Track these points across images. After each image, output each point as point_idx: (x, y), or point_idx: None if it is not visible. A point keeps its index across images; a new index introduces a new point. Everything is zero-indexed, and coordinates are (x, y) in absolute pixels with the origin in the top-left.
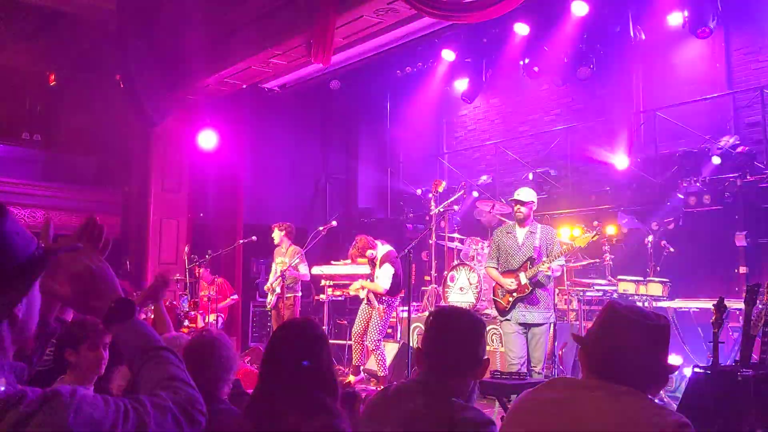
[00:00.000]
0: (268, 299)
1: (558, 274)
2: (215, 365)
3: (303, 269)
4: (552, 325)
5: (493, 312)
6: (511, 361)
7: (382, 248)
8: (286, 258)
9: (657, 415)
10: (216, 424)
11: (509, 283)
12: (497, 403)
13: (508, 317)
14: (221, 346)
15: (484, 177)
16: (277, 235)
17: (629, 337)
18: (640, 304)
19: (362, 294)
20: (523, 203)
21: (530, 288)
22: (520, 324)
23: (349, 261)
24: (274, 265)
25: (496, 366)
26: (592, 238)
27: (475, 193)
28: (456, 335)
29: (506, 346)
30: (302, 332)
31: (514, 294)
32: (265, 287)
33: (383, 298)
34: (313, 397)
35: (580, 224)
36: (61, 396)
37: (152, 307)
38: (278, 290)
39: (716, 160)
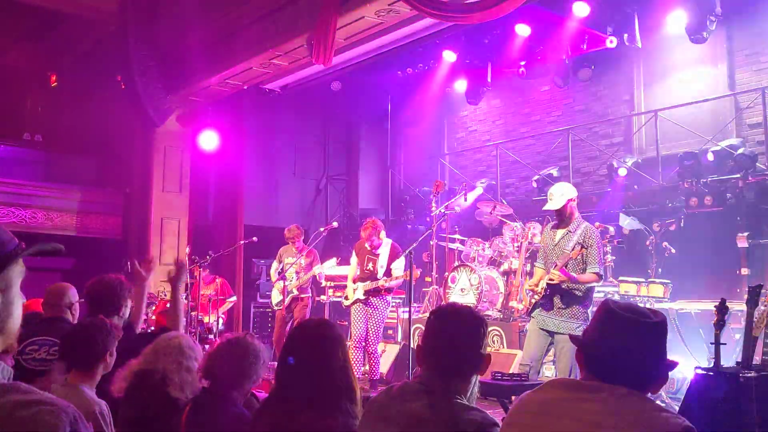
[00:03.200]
0: (277, 299)
1: (590, 284)
2: (247, 371)
3: (317, 270)
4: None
5: (495, 314)
6: (522, 360)
7: (387, 239)
8: (301, 259)
9: (660, 418)
10: (226, 426)
11: (530, 282)
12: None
13: (532, 315)
14: (259, 355)
15: (483, 180)
16: (296, 236)
17: (626, 335)
18: (641, 305)
19: (359, 294)
20: (557, 210)
21: (543, 292)
22: (542, 328)
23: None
24: (277, 264)
25: (496, 367)
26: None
27: (479, 190)
28: (457, 334)
29: (524, 345)
30: (319, 333)
31: (536, 296)
32: (294, 284)
33: (386, 297)
34: (329, 397)
35: None
36: (62, 406)
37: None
38: (295, 291)
39: (710, 156)
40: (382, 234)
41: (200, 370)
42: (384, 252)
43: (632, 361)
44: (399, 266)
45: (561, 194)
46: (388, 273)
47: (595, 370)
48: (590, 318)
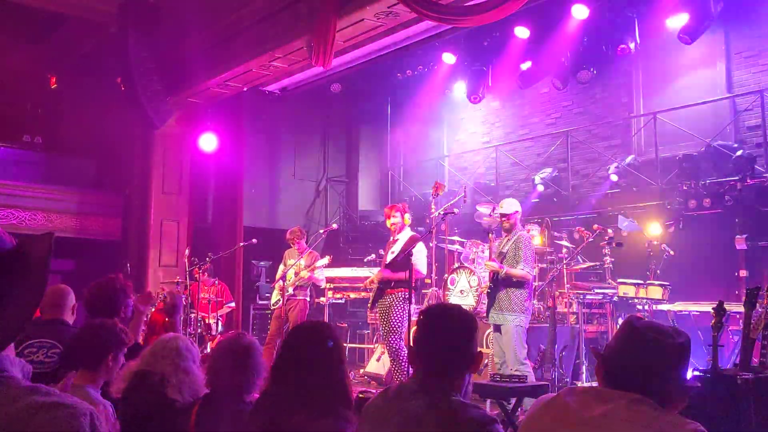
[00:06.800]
0: (275, 299)
1: (521, 278)
2: (249, 369)
3: (319, 274)
4: (517, 327)
5: None
6: (495, 359)
7: (409, 231)
8: (302, 260)
9: (674, 423)
10: (240, 425)
11: (484, 286)
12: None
13: (487, 319)
14: (256, 351)
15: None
16: (297, 238)
17: (648, 354)
18: (639, 307)
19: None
20: (505, 215)
21: (489, 290)
22: (495, 326)
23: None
24: (283, 267)
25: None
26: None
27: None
28: (448, 333)
29: (493, 345)
30: (317, 334)
31: (485, 299)
32: (290, 283)
33: (398, 292)
34: (322, 400)
35: (580, 227)
36: (82, 408)
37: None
38: (290, 290)
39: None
40: (407, 217)
41: (206, 381)
42: (402, 239)
43: (651, 380)
44: (416, 255)
45: (509, 206)
46: None
47: (614, 385)
48: (527, 310)
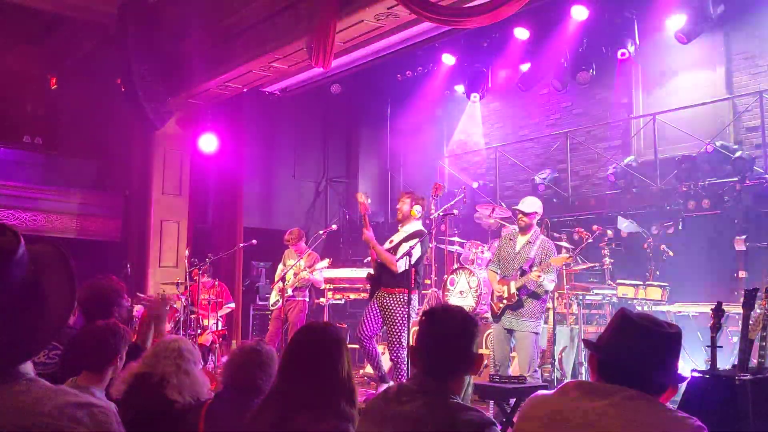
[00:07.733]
0: (274, 299)
1: (551, 287)
2: (269, 371)
3: (318, 275)
4: (536, 335)
5: None
6: (493, 362)
7: (418, 223)
8: (301, 261)
9: (674, 420)
10: (247, 423)
11: (499, 289)
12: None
13: (497, 321)
14: (275, 358)
15: (475, 184)
16: (296, 239)
17: (640, 343)
18: (639, 308)
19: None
20: (525, 213)
21: (517, 297)
22: (506, 329)
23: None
24: (282, 267)
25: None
26: (566, 259)
27: (475, 184)
28: (448, 334)
29: (492, 348)
30: (322, 336)
31: (504, 301)
32: (289, 284)
33: (398, 293)
34: (327, 401)
35: (579, 228)
36: (109, 408)
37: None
38: (290, 292)
39: (708, 148)
40: (416, 209)
41: (222, 380)
42: (404, 231)
43: (643, 369)
44: (403, 249)
45: (531, 205)
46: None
47: (607, 375)
48: (541, 316)
